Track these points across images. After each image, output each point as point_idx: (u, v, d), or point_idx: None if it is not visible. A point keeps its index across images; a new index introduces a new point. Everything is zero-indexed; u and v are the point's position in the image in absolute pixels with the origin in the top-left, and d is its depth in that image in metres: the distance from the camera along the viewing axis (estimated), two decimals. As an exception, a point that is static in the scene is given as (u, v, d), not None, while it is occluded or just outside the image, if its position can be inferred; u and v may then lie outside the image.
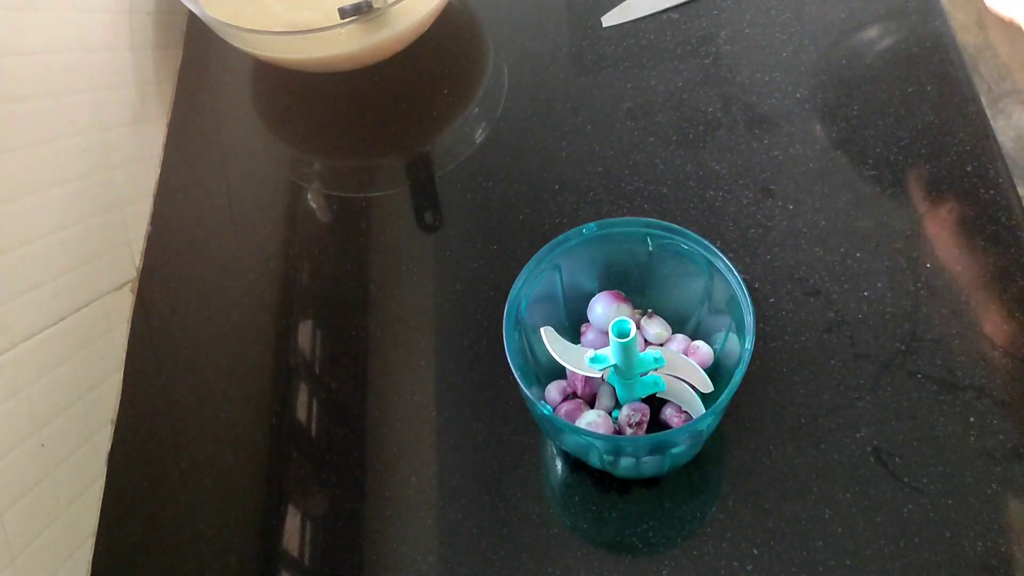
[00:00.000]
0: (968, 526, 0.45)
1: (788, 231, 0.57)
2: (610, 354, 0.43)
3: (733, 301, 0.45)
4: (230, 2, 0.67)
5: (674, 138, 0.62)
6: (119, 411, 0.58)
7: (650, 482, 0.49)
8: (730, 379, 0.42)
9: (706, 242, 0.46)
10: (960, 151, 0.58)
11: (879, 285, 0.54)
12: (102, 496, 0.55)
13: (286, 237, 0.64)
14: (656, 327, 0.49)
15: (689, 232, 0.46)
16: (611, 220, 0.48)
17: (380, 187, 0.66)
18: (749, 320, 0.43)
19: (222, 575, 0.51)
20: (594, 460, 0.46)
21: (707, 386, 0.46)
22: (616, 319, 0.41)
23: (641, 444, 0.44)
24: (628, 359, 0.43)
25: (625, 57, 0.67)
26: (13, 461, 0.48)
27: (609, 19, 0.57)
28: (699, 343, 0.48)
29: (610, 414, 0.47)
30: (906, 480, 0.47)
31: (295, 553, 0.51)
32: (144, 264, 0.63)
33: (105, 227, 0.60)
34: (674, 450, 0.44)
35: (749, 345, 0.43)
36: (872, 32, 0.65)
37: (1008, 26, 0.58)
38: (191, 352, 0.60)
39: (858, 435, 0.49)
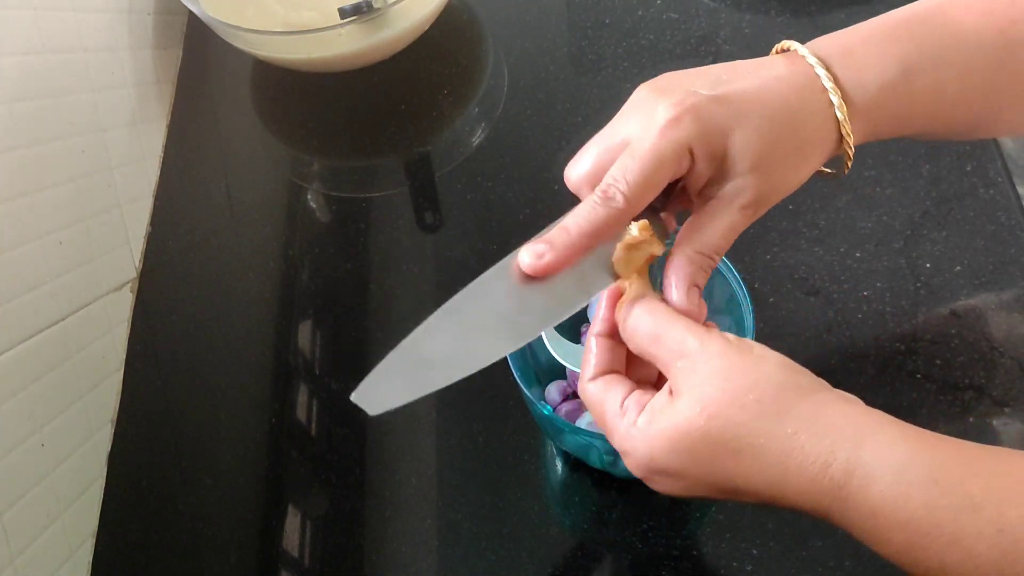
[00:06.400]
0: (968, 526, 0.45)
1: (788, 231, 0.57)
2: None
3: (733, 301, 0.45)
4: (230, 2, 0.67)
5: (674, 138, 0.62)
6: (119, 411, 0.57)
7: (650, 482, 0.49)
8: (730, 379, 0.42)
9: (706, 242, 0.46)
10: (960, 151, 0.57)
11: (879, 285, 0.54)
12: (102, 496, 0.55)
13: (286, 237, 0.64)
14: (656, 327, 0.49)
15: (689, 232, 0.46)
16: (611, 220, 0.48)
17: (380, 187, 0.66)
18: (749, 320, 0.43)
19: (222, 575, 0.51)
20: (594, 460, 0.46)
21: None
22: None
23: (641, 444, 0.44)
24: (628, 359, 0.43)
25: (625, 57, 0.67)
26: (13, 461, 0.48)
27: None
28: (699, 343, 0.48)
29: (610, 414, 0.47)
30: (906, 480, 0.47)
31: (295, 553, 0.51)
32: (144, 264, 0.63)
33: (105, 227, 0.60)
34: (674, 450, 0.44)
35: (749, 345, 0.42)
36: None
37: None
38: (191, 352, 0.60)
39: (858, 435, 0.49)
